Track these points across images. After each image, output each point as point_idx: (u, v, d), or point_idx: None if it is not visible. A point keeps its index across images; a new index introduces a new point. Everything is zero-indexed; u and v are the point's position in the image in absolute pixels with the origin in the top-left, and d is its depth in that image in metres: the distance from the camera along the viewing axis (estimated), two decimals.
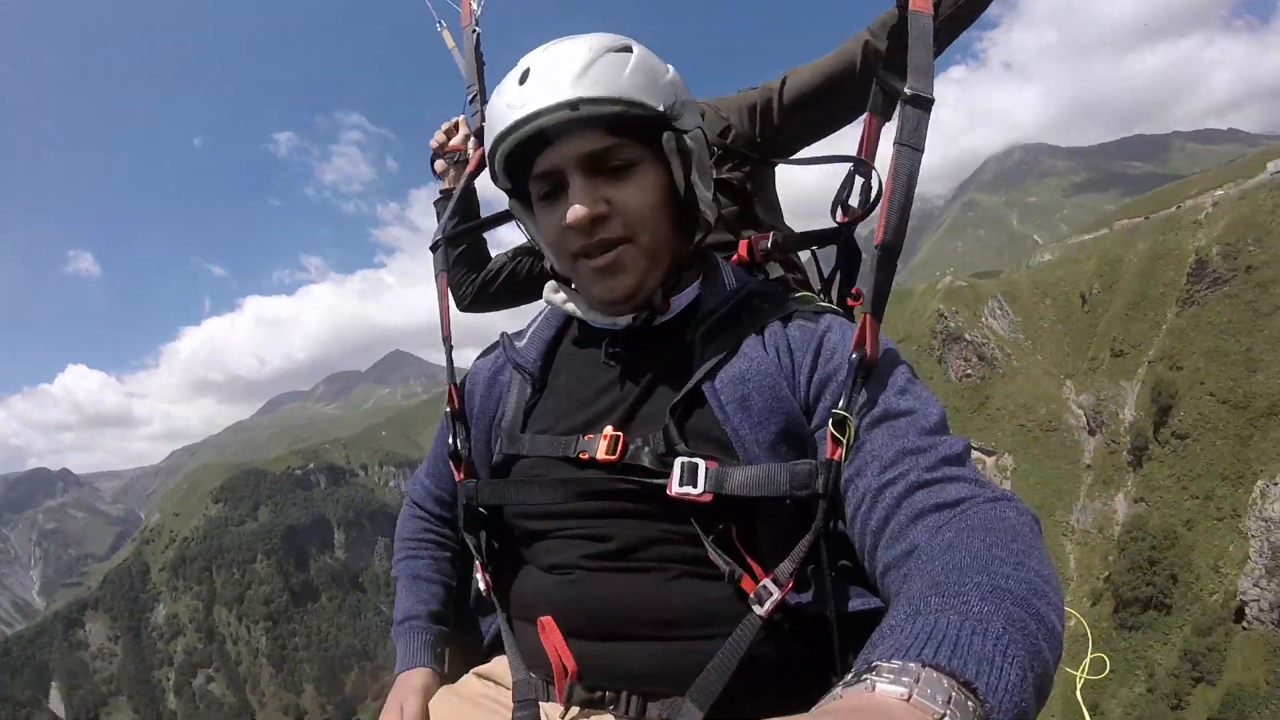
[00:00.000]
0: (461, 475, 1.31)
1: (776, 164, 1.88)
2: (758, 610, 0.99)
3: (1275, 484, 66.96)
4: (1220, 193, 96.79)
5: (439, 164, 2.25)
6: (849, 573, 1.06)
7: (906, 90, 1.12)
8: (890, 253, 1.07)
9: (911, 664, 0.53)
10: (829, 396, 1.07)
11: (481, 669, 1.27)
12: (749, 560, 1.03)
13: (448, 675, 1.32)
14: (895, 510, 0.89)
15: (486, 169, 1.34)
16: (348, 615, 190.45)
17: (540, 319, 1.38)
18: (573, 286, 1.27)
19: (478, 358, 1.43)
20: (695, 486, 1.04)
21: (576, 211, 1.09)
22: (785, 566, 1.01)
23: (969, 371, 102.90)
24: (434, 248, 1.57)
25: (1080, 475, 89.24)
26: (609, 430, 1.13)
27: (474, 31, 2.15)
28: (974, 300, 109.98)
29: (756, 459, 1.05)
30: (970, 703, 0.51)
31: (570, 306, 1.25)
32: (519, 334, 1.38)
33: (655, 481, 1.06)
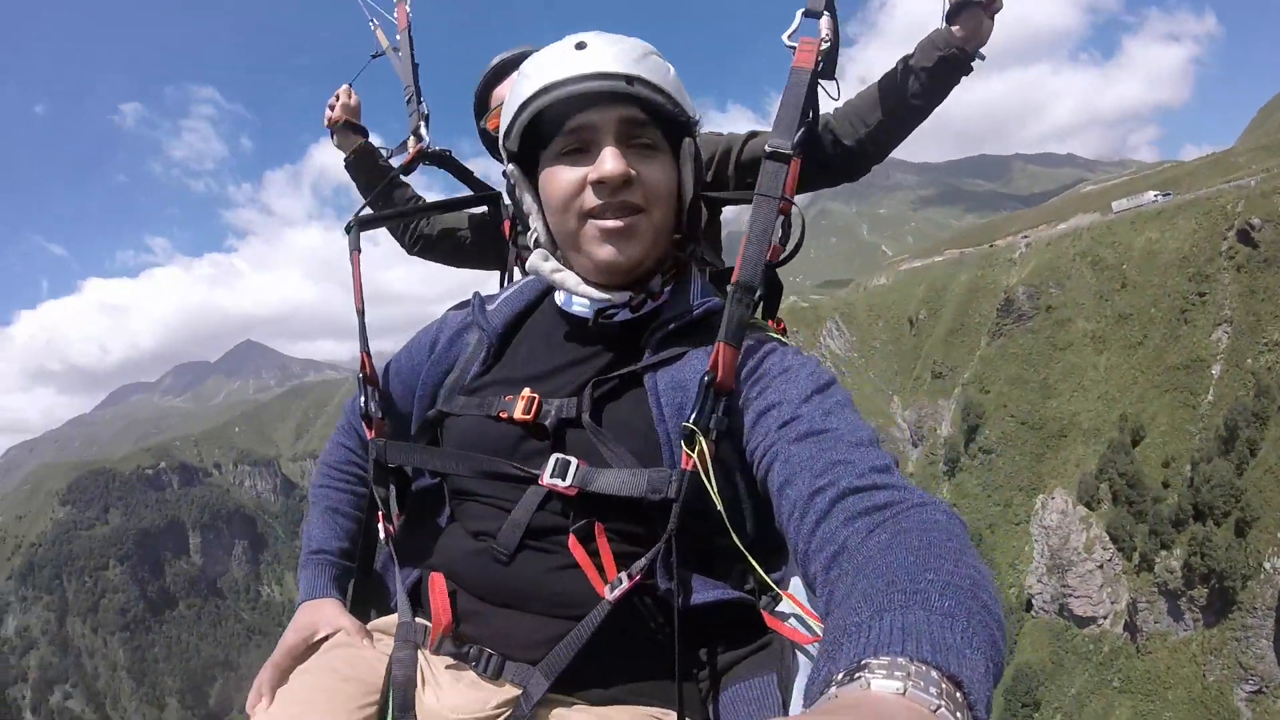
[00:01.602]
0: (372, 434, 1.40)
1: (708, 198, 1.83)
2: (608, 597, 1.09)
3: (1052, 497, 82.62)
4: (1031, 236, 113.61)
5: (336, 137, 2.51)
6: (701, 568, 1.17)
7: (766, 147, 1.26)
8: (746, 290, 1.18)
9: (901, 659, 0.55)
10: (753, 414, 1.14)
11: (376, 623, 1.32)
12: (603, 554, 1.13)
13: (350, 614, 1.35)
14: (827, 515, 0.92)
15: (417, 166, 1.61)
16: (208, 623, 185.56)
17: (515, 288, 1.43)
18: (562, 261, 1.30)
19: (451, 308, 1.49)
20: (564, 480, 1.14)
21: (615, 165, 1.14)
22: (640, 562, 1.10)
23: None
24: (347, 229, 1.66)
25: None
26: (527, 392, 1.21)
27: (408, 35, 2.34)
28: (814, 320, 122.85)
29: (663, 455, 1.16)
30: (958, 694, 0.53)
31: (559, 277, 1.27)
32: (492, 297, 1.43)
33: (532, 472, 1.17)
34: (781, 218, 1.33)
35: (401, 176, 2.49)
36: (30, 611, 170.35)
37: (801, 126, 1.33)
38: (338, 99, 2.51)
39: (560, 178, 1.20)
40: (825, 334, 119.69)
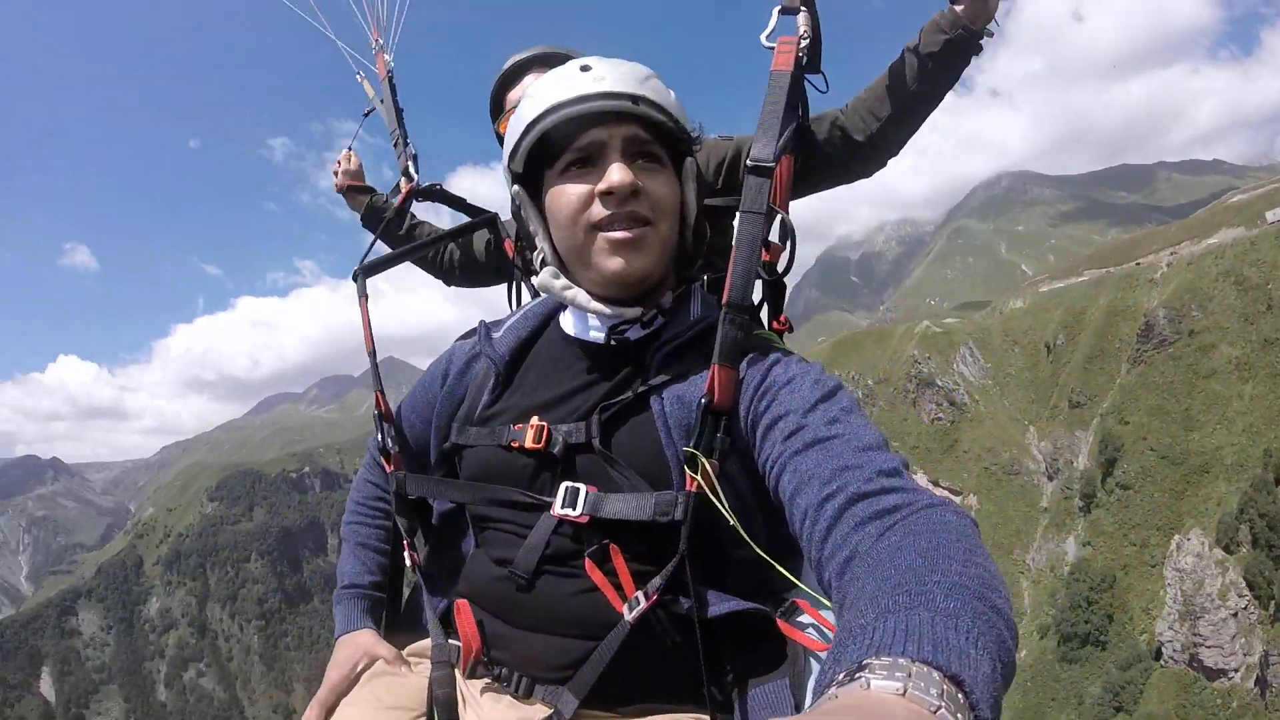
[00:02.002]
0: (390, 468, 1.44)
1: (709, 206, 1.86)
2: (627, 617, 1.11)
3: (1188, 539, 74.82)
4: (1180, 253, 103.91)
5: (347, 199, 2.71)
6: (715, 580, 1.19)
7: (747, 161, 1.27)
8: (737, 309, 1.19)
9: (901, 660, 0.55)
10: (762, 428, 1.14)
11: (412, 648, 1.36)
12: (620, 575, 1.15)
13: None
14: (837, 522, 0.92)
15: (410, 205, 1.79)
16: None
17: (521, 313, 1.44)
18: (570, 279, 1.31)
19: (458, 339, 1.50)
20: (574, 509, 1.16)
21: (623, 176, 1.16)
22: (655, 581, 1.13)
23: (939, 415, 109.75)
24: (354, 276, 1.71)
25: (1037, 517, 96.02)
26: (536, 420, 1.23)
27: (390, 81, 2.46)
28: (947, 346, 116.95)
29: (673, 479, 1.17)
30: (959, 695, 0.53)
31: (569, 294, 1.28)
32: (498, 323, 1.45)
33: (541, 499, 1.20)
34: (780, 217, 1.34)
35: (414, 215, 2.65)
36: (173, 595, 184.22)
37: (784, 133, 1.33)
38: (339, 164, 2.69)
39: (568, 192, 1.21)
40: (959, 360, 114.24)
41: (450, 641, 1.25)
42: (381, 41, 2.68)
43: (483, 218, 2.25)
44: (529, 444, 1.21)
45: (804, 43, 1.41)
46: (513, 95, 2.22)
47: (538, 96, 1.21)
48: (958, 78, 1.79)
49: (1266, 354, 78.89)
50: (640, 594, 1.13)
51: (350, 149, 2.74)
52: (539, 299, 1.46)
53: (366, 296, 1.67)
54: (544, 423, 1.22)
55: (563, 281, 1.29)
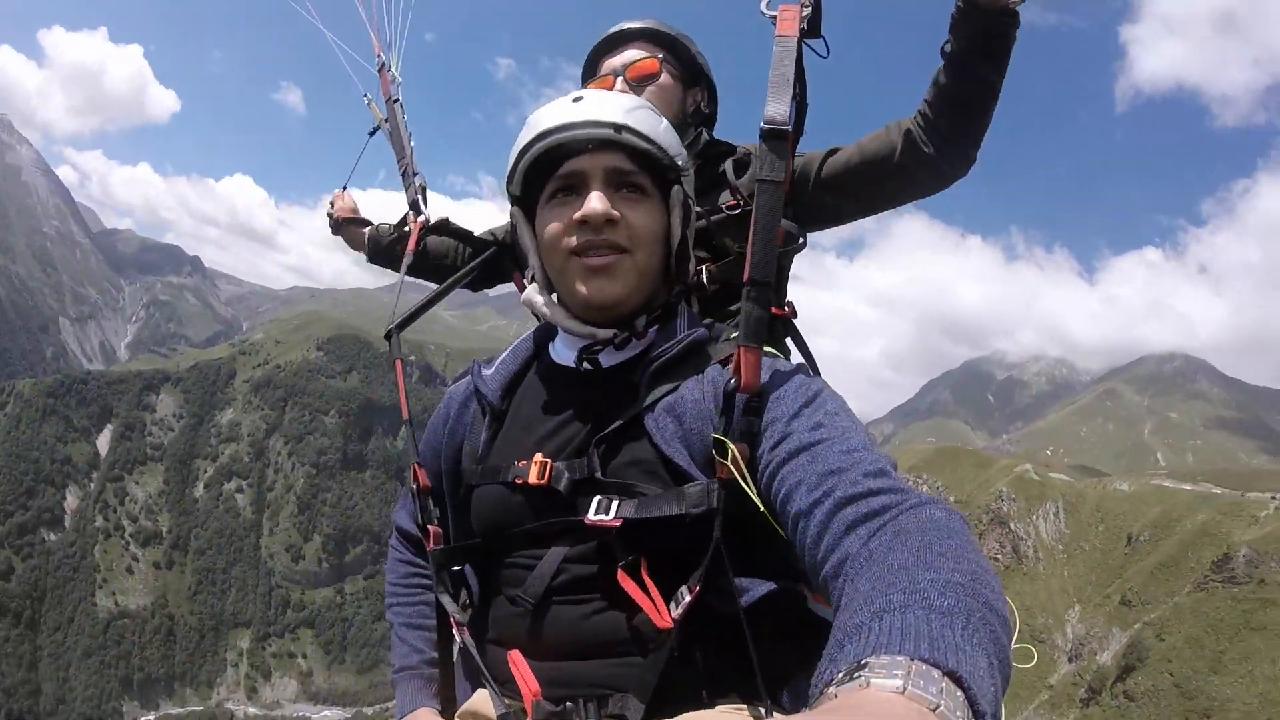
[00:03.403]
0: (430, 545, 1.45)
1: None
2: (674, 613, 1.14)
3: None
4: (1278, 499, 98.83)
5: (344, 238, 2.62)
6: (744, 570, 1.20)
7: (762, 124, 1.23)
8: (759, 286, 1.18)
9: (899, 658, 0.55)
10: (761, 433, 1.15)
11: (467, 707, 1.39)
12: (651, 589, 1.16)
13: (444, 713, 1.44)
14: (826, 527, 0.94)
15: (423, 242, 1.68)
16: (381, 499, 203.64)
17: (510, 350, 1.49)
18: (555, 299, 1.36)
19: (451, 383, 1.56)
20: (608, 515, 1.18)
21: (597, 203, 1.23)
22: (696, 574, 1.15)
23: (998, 556, 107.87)
24: (387, 336, 1.76)
25: (1040, 691, 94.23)
26: (539, 456, 1.26)
27: (396, 102, 2.35)
28: (1038, 496, 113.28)
29: (689, 481, 1.19)
30: (958, 691, 0.53)
31: (549, 311, 1.34)
32: (489, 361, 1.50)
33: (571, 518, 1.22)
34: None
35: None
36: (247, 414, 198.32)
37: (794, 97, 1.31)
38: (331, 205, 2.64)
39: (552, 218, 1.29)
40: (1041, 514, 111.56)
41: (508, 702, 1.26)
42: (384, 59, 2.56)
43: (492, 251, 2.23)
44: (533, 480, 1.24)
45: (806, 11, 1.39)
46: (610, 62, 2.07)
47: (531, 123, 1.30)
48: (1005, 65, 1.64)
49: None
50: (684, 588, 1.15)
51: (341, 189, 2.65)
52: (527, 334, 1.50)
53: (401, 359, 1.69)
54: (546, 459, 1.25)
55: (545, 298, 1.35)
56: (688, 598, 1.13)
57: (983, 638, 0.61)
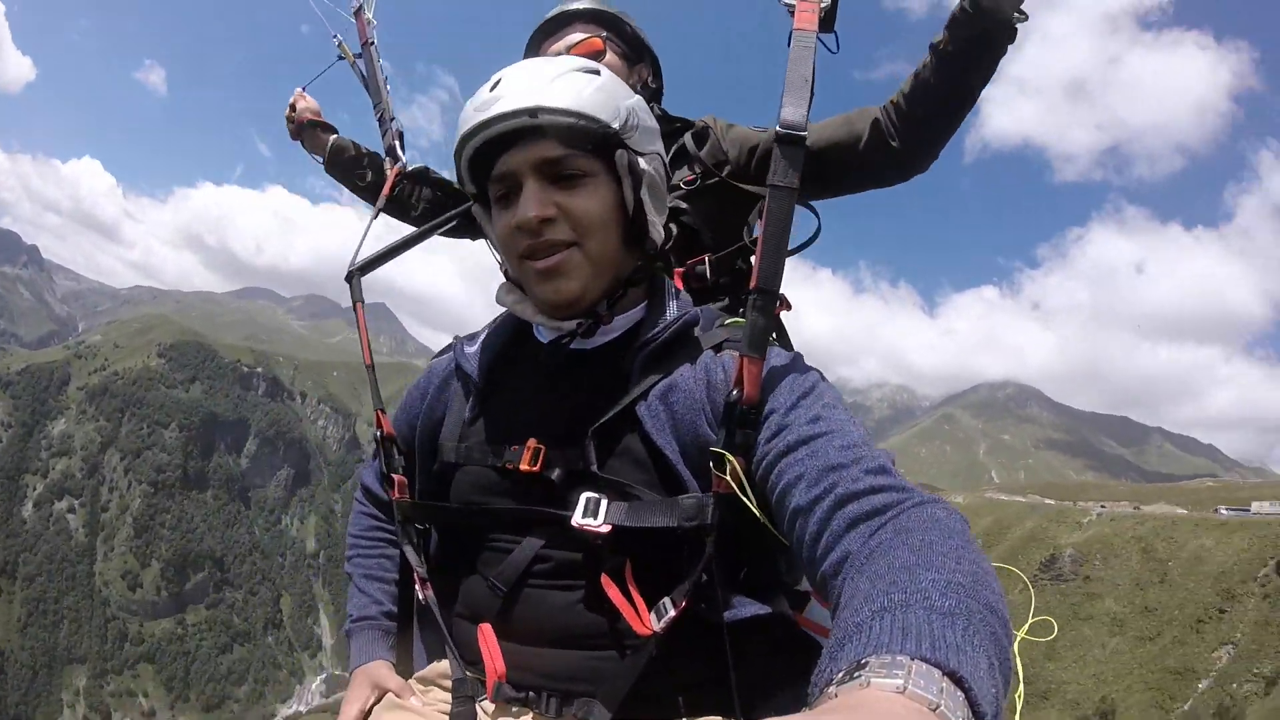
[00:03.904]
0: (395, 495, 1.41)
1: (750, 190, 1.84)
2: (657, 626, 1.09)
3: None
4: (1109, 508, 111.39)
5: (304, 141, 2.36)
6: (732, 581, 1.17)
7: (777, 129, 1.17)
8: (766, 295, 1.14)
9: (900, 658, 0.55)
10: (764, 426, 1.11)
11: (421, 674, 1.35)
12: (635, 595, 1.11)
13: (399, 671, 1.38)
14: (827, 523, 0.92)
15: (399, 189, 1.52)
16: (223, 520, 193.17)
17: (493, 326, 1.46)
18: (523, 292, 1.33)
19: (433, 357, 1.52)
20: (596, 519, 1.12)
21: (525, 211, 1.17)
22: (683, 587, 1.10)
23: None
24: (348, 279, 1.63)
25: None
26: (532, 442, 1.21)
27: (371, 45, 2.22)
28: None
29: (678, 479, 1.15)
30: (959, 692, 0.53)
31: (519, 308, 1.31)
32: (472, 337, 1.45)
33: (559, 513, 1.16)
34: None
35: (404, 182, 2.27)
36: (81, 425, 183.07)
37: (811, 100, 1.24)
38: (293, 105, 2.39)
39: (498, 224, 1.25)
40: None
41: (469, 674, 1.24)
42: (359, 1, 2.44)
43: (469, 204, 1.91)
44: (524, 466, 1.20)
45: (824, 3, 1.33)
46: (553, 48, 2.00)
47: (459, 124, 1.23)
48: (990, 74, 1.63)
49: (1143, 619, 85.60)
50: (668, 600, 1.11)
51: (302, 89, 2.42)
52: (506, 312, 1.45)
53: (363, 302, 1.60)
54: (541, 445, 1.21)
55: (515, 295, 1.32)
56: (671, 611, 1.10)
57: (984, 639, 0.61)
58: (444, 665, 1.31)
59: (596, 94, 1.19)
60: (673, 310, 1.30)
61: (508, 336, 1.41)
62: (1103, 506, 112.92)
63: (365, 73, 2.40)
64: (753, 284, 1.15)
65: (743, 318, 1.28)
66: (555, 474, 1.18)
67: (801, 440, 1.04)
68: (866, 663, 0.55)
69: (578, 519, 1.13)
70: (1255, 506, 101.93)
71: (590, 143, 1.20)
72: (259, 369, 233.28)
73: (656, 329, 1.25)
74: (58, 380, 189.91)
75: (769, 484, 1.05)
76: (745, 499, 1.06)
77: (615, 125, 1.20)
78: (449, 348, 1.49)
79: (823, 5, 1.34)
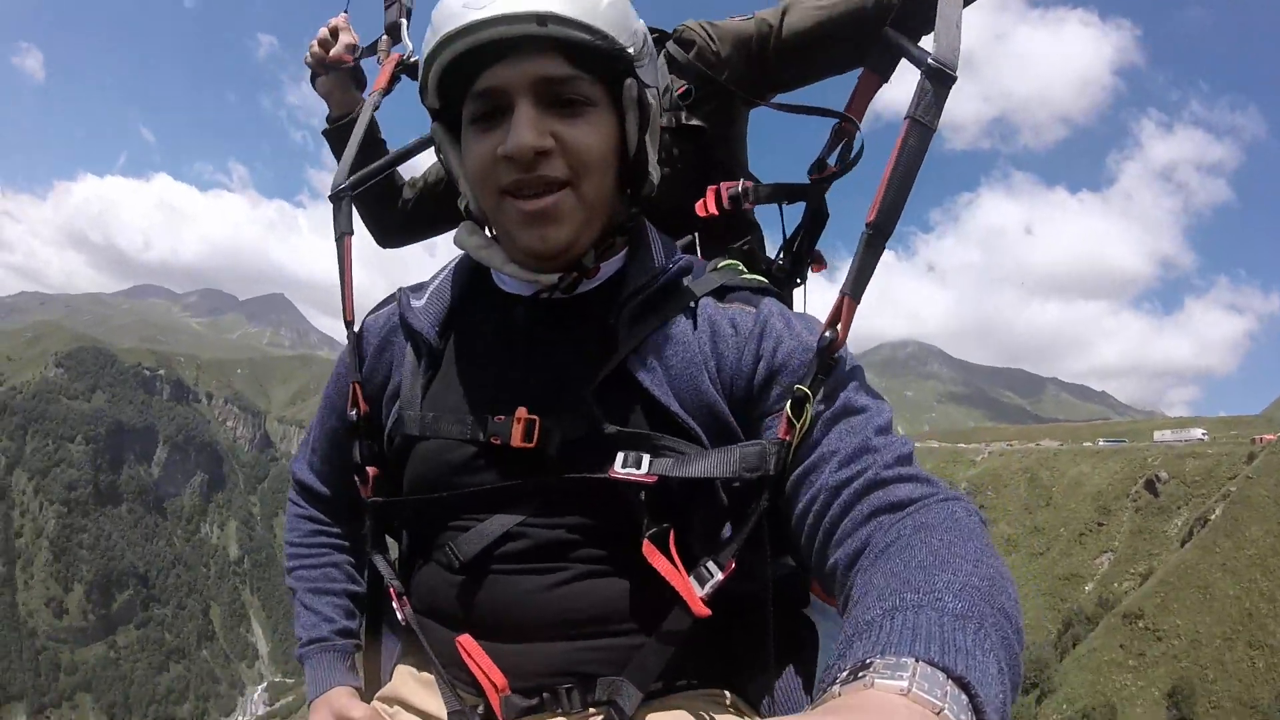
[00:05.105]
0: (369, 492, 1.19)
1: (758, 105, 1.73)
2: (700, 591, 0.95)
3: None
4: (995, 446, 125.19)
5: (321, 82, 1.82)
6: (780, 551, 1.06)
7: (930, 60, 1.00)
8: (881, 232, 0.98)
9: (906, 659, 0.54)
10: (779, 385, 1.01)
11: (385, 693, 1.20)
12: (676, 559, 0.98)
13: (363, 690, 1.25)
14: (851, 508, 0.88)
15: (397, 84, 1.19)
16: (142, 534, 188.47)
17: (443, 275, 1.23)
18: (491, 235, 1.12)
19: (368, 314, 1.26)
20: (639, 469, 0.98)
21: (520, 139, 0.96)
22: (729, 549, 0.98)
23: None
24: (334, 198, 1.34)
25: None
26: (522, 412, 1.03)
27: None
28: None
29: (693, 438, 1.01)
30: (964, 696, 0.52)
31: (485, 254, 1.10)
32: (418, 288, 1.23)
33: (595, 476, 0.99)
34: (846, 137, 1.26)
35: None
36: None
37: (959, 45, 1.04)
38: (334, 32, 1.78)
39: (474, 149, 1.02)
40: None
41: (464, 696, 1.06)
42: None
43: None
44: (517, 441, 1.02)
45: None
46: None
47: (435, 24, 1.00)
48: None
49: (1032, 538, 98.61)
50: (710, 564, 0.97)
51: (346, 14, 1.80)
52: (459, 256, 1.22)
53: (352, 233, 1.30)
54: (534, 416, 1.03)
55: (479, 240, 1.12)
56: (718, 575, 0.96)
57: (994, 643, 0.60)
58: (407, 679, 1.16)
59: (611, 9, 0.99)
60: (660, 257, 1.12)
61: (463, 285, 1.20)
62: (989, 445, 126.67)
63: None
64: (870, 217, 0.98)
65: (732, 259, 1.20)
66: (554, 447, 1.02)
67: (847, 410, 0.97)
68: (871, 663, 0.54)
69: (618, 469, 0.98)
70: (1158, 435, 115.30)
71: (599, 66, 1.01)
72: (160, 371, 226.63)
73: (645, 278, 1.08)
74: None
75: (803, 443, 0.97)
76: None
77: (630, 49, 1.01)
78: (388, 300, 1.25)
79: None
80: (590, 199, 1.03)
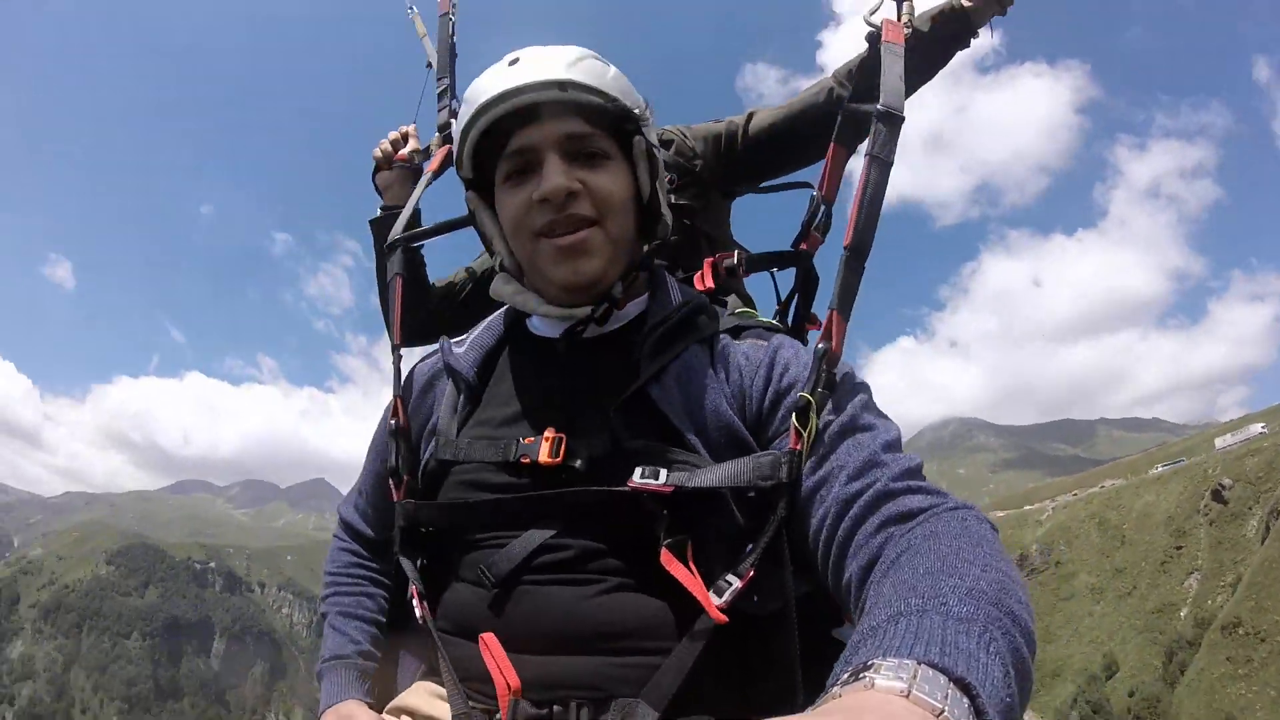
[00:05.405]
0: (400, 495, 1.27)
1: (738, 194, 1.96)
2: (718, 601, 0.97)
3: None
4: (1059, 500, 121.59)
5: (383, 176, 2.06)
6: (804, 566, 1.04)
7: (879, 106, 1.17)
8: (858, 253, 1.09)
9: (908, 661, 0.54)
10: (786, 405, 1.08)
11: (395, 704, 1.22)
12: (694, 570, 1.00)
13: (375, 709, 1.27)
14: (862, 521, 0.90)
15: (451, 167, 1.33)
16: None
17: (482, 326, 1.37)
18: (524, 286, 1.25)
19: (416, 363, 1.40)
20: (656, 479, 1.03)
21: (554, 181, 1.11)
22: (747, 560, 1.00)
23: None
24: (390, 248, 1.55)
25: None
26: (550, 432, 1.11)
27: (450, 19, 2.14)
28: None
29: (701, 460, 1.06)
30: (965, 699, 0.52)
31: (521, 299, 1.23)
32: (459, 340, 1.35)
33: (616, 489, 1.04)
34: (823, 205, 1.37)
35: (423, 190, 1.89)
36: (40, 645, 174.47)
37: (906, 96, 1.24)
38: (405, 137, 2.07)
39: (509, 201, 1.17)
40: None
41: (472, 706, 1.06)
42: None
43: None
44: (544, 458, 1.09)
45: (907, 31, 1.38)
46: None
47: (468, 98, 1.17)
48: (940, 67, 1.81)
49: (1115, 580, 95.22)
50: (729, 577, 0.99)
51: (416, 125, 2.11)
52: (499, 311, 1.37)
53: (401, 275, 1.52)
54: (560, 434, 1.11)
55: (514, 287, 1.25)
56: (737, 584, 0.98)
57: (1000, 647, 0.60)
58: (421, 692, 1.18)
59: (616, 80, 1.18)
60: (676, 295, 1.26)
61: (500, 332, 1.33)
62: (1053, 501, 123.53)
63: (437, 40, 2.17)
64: (846, 241, 1.10)
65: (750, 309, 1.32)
66: (579, 463, 1.08)
67: (854, 427, 1.01)
68: (873, 664, 0.55)
69: (636, 479, 1.03)
70: (1219, 443, 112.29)
71: (611, 126, 1.18)
72: (211, 564, 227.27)
73: (665, 313, 1.21)
74: (6, 599, 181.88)
75: (811, 457, 1.02)
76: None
77: (636, 111, 1.19)
78: (435, 351, 1.37)
79: (907, 31, 1.38)
80: (615, 236, 1.18)
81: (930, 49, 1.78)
